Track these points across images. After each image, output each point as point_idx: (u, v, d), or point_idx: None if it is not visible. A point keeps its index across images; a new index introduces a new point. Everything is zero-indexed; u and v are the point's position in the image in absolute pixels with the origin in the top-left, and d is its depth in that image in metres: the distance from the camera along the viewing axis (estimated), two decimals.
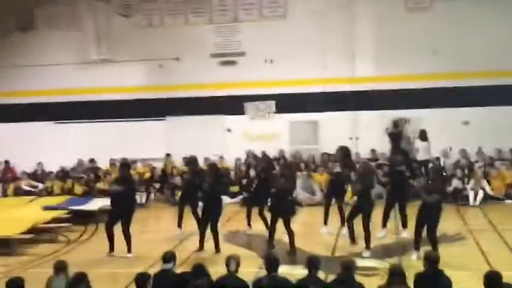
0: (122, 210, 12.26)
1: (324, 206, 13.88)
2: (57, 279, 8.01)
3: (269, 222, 12.58)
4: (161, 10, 20.65)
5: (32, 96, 21.18)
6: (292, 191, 12.69)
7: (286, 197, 12.29)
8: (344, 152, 13.56)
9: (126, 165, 13.15)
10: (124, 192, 12.27)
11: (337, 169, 13.47)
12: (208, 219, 12.28)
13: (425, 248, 10.31)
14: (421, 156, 18.06)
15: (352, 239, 12.48)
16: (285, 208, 12.18)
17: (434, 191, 11.24)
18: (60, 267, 8.09)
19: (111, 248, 12.36)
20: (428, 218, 11.17)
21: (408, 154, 16.06)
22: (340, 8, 19.51)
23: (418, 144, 18.32)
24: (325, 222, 13.69)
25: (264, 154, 15.98)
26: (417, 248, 11.24)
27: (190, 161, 14.33)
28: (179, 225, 14.12)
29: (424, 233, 11.32)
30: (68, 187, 18.80)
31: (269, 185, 13.17)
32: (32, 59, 21.05)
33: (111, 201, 12.55)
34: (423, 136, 18.28)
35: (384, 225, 13.35)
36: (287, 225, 12.13)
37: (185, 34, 20.39)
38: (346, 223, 12.80)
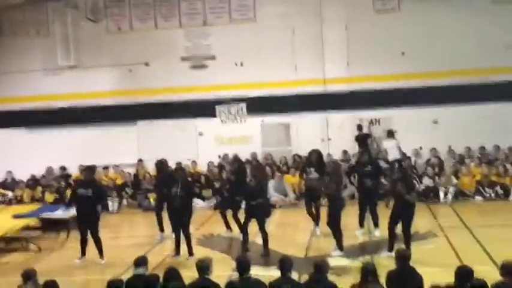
0: (89, 215, 12.14)
1: (305, 208, 13.86)
2: None
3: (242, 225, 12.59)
4: (130, 15, 20.52)
5: (1, 103, 20.87)
6: (264, 192, 12.66)
7: (259, 199, 12.27)
8: (317, 154, 13.64)
9: (90, 169, 13.02)
10: (91, 197, 12.17)
11: (312, 172, 13.53)
12: (180, 223, 12.23)
13: (397, 246, 10.41)
14: (391, 155, 18.28)
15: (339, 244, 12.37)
16: (259, 210, 12.18)
17: (410, 190, 11.37)
18: (29, 275, 7.96)
19: (83, 253, 12.26)
20: (406, 216, 11.29)
21: (372, 155, 16.25)
22: (309, 10, 19.53)
23: (386, 144, 18.60)
24: (317, 223, 13.70)
25: (235, 156, 15.86)
26: (391, 249, 11.28)
27: (160, 165, 14.27)
28: (161, 229, 14.07)
29: (397, 231, 11.45)
30: (38, 195, 18.60)
31: (241, 188, 13.17)
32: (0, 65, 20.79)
33: (79, 206, 12.41)
34: (389, 135, 18.62)
35: (361, 225, 13.49)
36: (261, 227, 12.15)
37: (154, 38, 20.28)
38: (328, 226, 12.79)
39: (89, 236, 12.25)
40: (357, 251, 12.15)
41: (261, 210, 12.21)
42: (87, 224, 12.20)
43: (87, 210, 12.14)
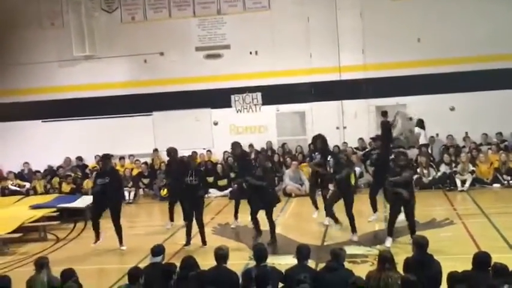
0: (108, 203, 12.24)
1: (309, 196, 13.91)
2: (38, 277, 7.93)
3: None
4: (144, 4, 20.47)
5: (17, 95, 20.95)
6: (270, 181, 12.50)
7: (265, 188, 12.10)
8: (321, 140, 13.53)
9: (107, 157, 13.02)
10: (110, 184, 12.26)
11: (318, 158, 13.45)
12: (193, 212, 12.22)
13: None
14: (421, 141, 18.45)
15: (336, 220, 12.50)
16: (266, 199, 12.08)
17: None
18: (41, 264, 8.02)
19: (97, 236, 12.40)
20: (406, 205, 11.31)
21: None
22: None
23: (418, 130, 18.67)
24: (316, 207, 13.67)
25: (235, 142, 15.26)
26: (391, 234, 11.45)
27: (169, 153, 14.32)
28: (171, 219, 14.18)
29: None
30: (55, 186, 18.72)
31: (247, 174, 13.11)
32: (15, 57, 20.82)
33: (97, 195, 12.47)
34: (420, 125, 18.54)
35: (374, 210, 13.43)
36: (268, 216, 12.05)
37: (169, 28, 20.24)
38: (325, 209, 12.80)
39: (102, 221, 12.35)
40: (373, 239, 12.09)
41: (267, 199, 12.10)
42: (103, 210, 12.30)
43: (105, 199, 12.22)
